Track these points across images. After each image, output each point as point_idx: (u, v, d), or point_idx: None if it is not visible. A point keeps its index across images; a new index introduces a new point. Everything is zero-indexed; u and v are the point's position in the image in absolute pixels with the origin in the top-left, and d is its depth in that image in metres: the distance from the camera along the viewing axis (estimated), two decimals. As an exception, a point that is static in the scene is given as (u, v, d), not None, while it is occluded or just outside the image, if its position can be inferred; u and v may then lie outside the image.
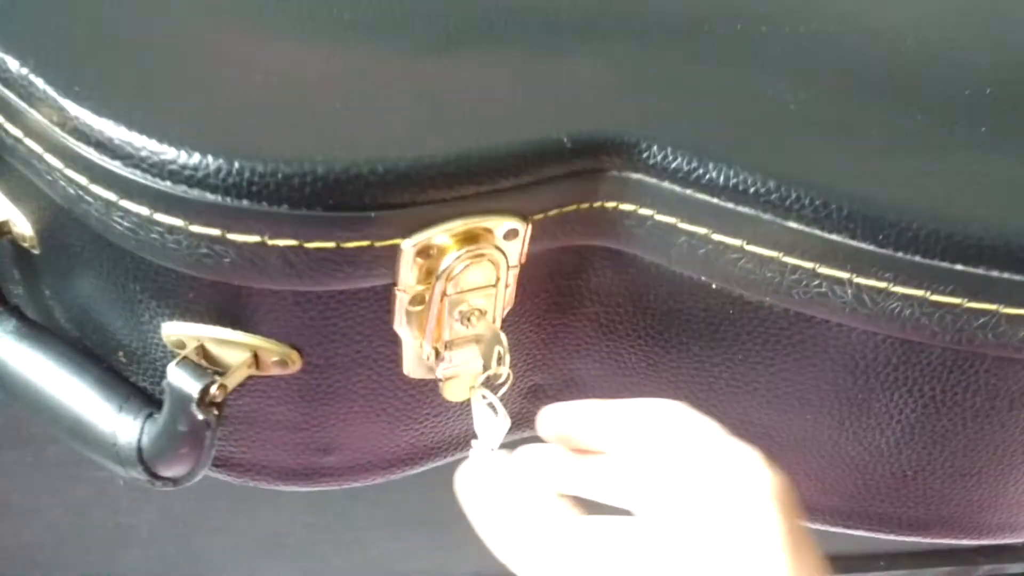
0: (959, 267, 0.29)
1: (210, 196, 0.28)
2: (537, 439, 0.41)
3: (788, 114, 0.33)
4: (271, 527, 0.59)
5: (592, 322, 0.36)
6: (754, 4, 0.38)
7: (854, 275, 0.30)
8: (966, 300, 0.30)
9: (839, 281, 0.30)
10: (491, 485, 0.30)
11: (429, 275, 0.30)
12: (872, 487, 0.36)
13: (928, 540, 0.38)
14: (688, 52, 0.35)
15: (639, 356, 0.36)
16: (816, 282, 0.31)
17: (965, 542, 0.39)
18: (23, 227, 0.36)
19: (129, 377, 0.35)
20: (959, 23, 0.39)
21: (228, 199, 0.28)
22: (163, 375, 0.32)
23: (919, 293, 0.30)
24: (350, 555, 0.60)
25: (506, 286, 0.32)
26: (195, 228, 0.29)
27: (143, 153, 0.28)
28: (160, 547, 0.58)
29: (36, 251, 0.36)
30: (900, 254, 0.30)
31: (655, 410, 0.29)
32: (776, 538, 0.25)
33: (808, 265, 0.30)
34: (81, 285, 0.35)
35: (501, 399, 0.33)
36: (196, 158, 0.28)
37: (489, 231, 0.30)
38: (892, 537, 0.38)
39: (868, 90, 0.35)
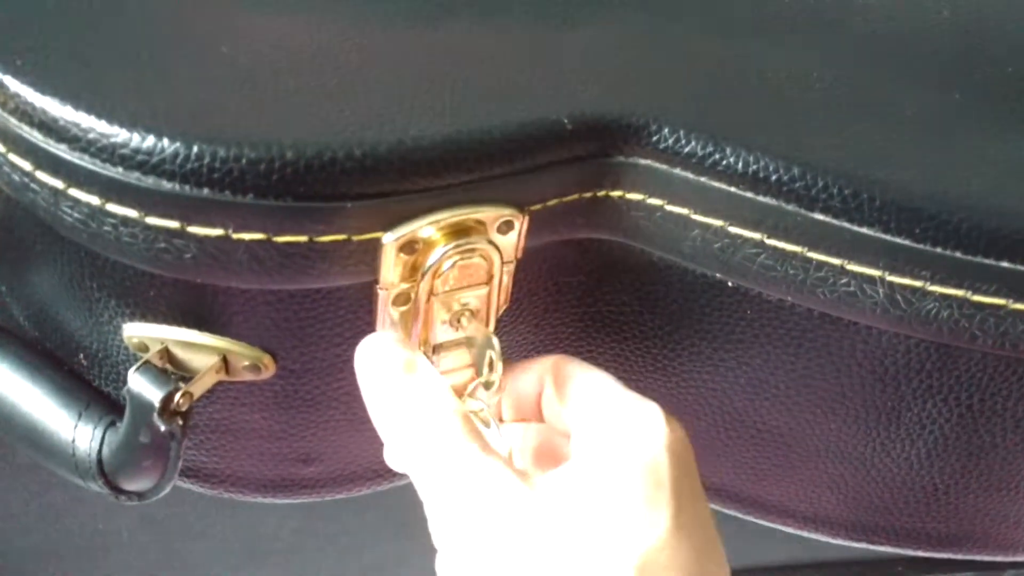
0: (1004, 264, 0.26)
1: (167, 184, 0.25)
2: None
3: (813, 95, 0.30)
4: (258, 532, 0.57)
5: (596, 323, 0.33)
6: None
7: (887, 272, 0.27)
8: (1011, 301, 0.27)
9: (870, 279, 0.27)
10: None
11: (414, 272, 0.27)
12: (900, 501, 0.33)
13: (958, 557, 0.35)
14: (703, 26, 0.32)
15: (647, 359, 0.33)
16: (844, 280, 0.28)
17: (1000, 559, 0.36)
18: (-26, 218, 0.33)
19: (91, 381, 0.32)
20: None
21: (187, 187, 0.25)
22: (126, 380, 0.29)
23: (959, 293, 0.27)
24: (341, 561, 0.58)
25: (500, 284, 0.29)
26: (151, 220, 0.25)
27: (91, 136, 0.25)
28: (140, 553, 0.55)
29: (-11, 245, 0.33)
30: (939, 249, 0.27)
31: (548, 367, 0.29)
32: (664, 490, 0.25)
33: (836, 261, 0.27)
34: (37, 282, 0.32)
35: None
36: (151, 141, 0.25)
37: (481, 223, 0.27)
38: (919, 554, 0.35)
39: (900, 68, 0.32)
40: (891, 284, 0.27)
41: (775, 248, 0.28)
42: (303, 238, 0.26)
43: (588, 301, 0.33)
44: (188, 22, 0.28)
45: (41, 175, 0.26)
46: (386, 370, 0.27)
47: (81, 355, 0.32)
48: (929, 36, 0.34)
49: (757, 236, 0.28)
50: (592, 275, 0.32)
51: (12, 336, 0.33)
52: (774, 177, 0.27)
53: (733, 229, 0.28)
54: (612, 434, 0.26)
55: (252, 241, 0.25)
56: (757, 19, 0.33)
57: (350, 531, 0.56)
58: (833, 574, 0.66)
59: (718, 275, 0.30)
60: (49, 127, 0.25)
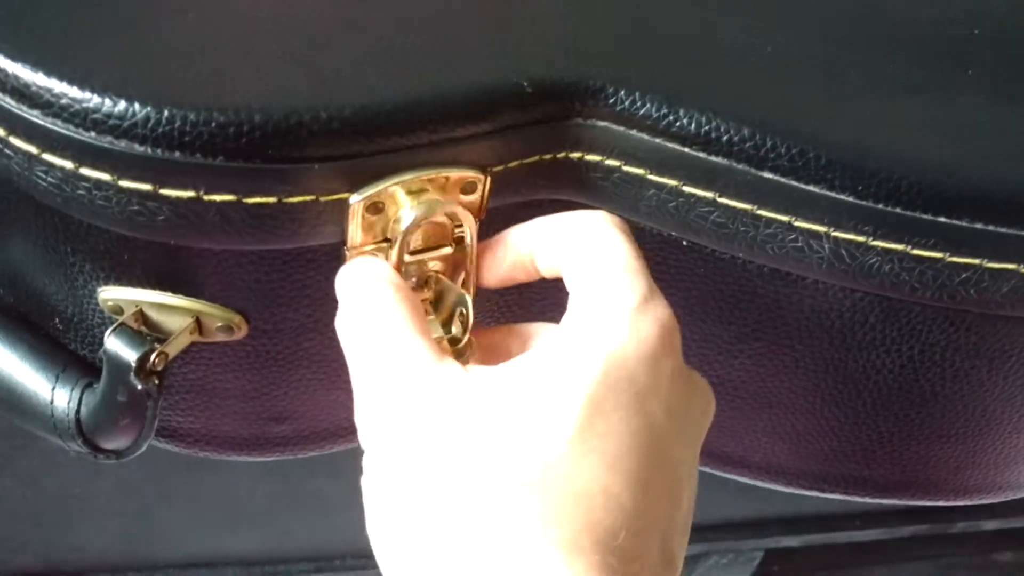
0: (942, 219, 0.28)
1: (139, 148, 0.26)
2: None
3: (764, 57, 0.31)
4: (232, 495, 0.58)
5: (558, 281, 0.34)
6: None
7: (832, 228, 0.28)
8: (948, 254, 0.28)
9: (816, 235, 0.29)
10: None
11: (382, 233, 0.28)
12: (848, 449, 0.35)
13: (904, 502, 0.37)
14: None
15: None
16: (792, 236, 0.29)
17: (942, 503, 0.38)
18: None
19: (67, 345, 0.33)
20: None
21: (159, 151, 0.26)
22: (101, 343, 0.30)
23: (900, 247, 0.28)
24: (313, 522, 0.59)
25: (464, 247, 0.30)
26: (124, 183, 0.26)
27: (63, 101, 0.26)
28: (117, 519, 0.56)
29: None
30: (880, 206, 0.28)
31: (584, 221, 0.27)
32: (576, 402, 0.24)
33: (784, 218, 0.29)
34: (11, 247, 0.33)
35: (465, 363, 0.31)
36: (122, 106, 0.25)
37: (445, 184, 0.28)
38: (868, 500, 0.37)
39: (848, 31, 0.33)
40: (836, 239, 0.29)
41: (726, 206, 0.29)
42: (272, 199, 0.27)
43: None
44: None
45: (15, 140, 0.27)
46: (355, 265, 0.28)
47: (57, 319, 0.33)
48: (880, 2, 0.35)
49: (709, 195, 0.29)
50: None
51: (-13, 302, 0.34)
52: (725, 137, 0.28)
53: (687, 188, 0.29)
54: (566, 333, 0.25)
55: (223, 202, 0.26)
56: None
57: (322, 494, 0.57)
58: (795, 529, 0.69)
59: (674, 233, 0.31)
60: (22, 93, 0.26)
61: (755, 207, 0.29)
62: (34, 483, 0.53)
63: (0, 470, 0.53)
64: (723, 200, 0.29)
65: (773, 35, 0.32)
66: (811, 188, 0.28)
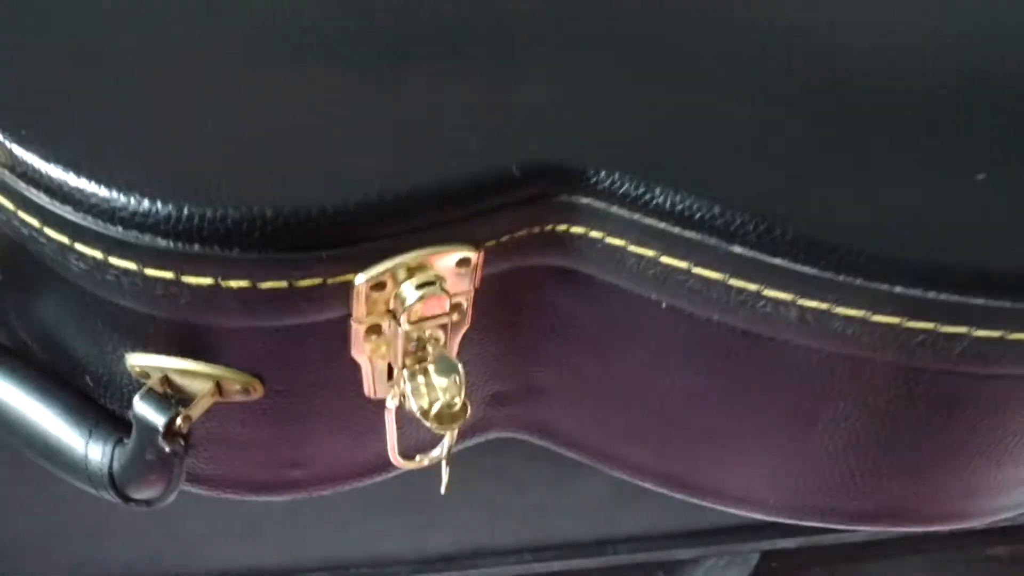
0: (898, 289, 0.30)
1: (162, 242, 0.28)
2: (501, 441, 0.42)
3: (736, 134, 0.33)
4: (251, 510, 0.61)
5: (550, 334, 0.37)
6: (701, 22, 0.38)
7: (797, 297, 0.31)
8: (905, 320, 0.31)
9: (783, 302, 0.31)
10: None
11: (384, 306, 0.31)
12: (822, 485, 0.38)
13: (876, 528, 0.40)
14: (637, 72, 0.35)
15: (597, 367, 0.37)
16: (761, 303, 0.31)
17: (912, 529, 0.40)
18: (-17, 255, 0.36)
19: (98, 399, 0.36)
20: (909, 28, 0.39)
21: (180, 244, 0.28)
22: (130, 400, 0.33)
23: (860, 314, 0.31)
24: (331, 537, 0.62)
25: (460, 312, 0.32)
26: (149, 272, 0.29)
27: (93, 200, 0.28)
28: (144, 535, 0.60)
29: (-1, 278, 0.36)
30: (841, 277, 0.30)
31: None
32: None
33: (753, 288, 0.31)
34: (45, 313, 0.35)
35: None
36: (146, 205, 0.28)
37: (442, 258, 0.31)
38: (841, 528, 0.40)
39: (814, 105, 0.35)
40: (801, 307, 0.31)
41: (700, 276, 0.32)
42: (284, 284, 0.29)
43: (542, 316, 0.36)
44: (173, 89, 0.31)
45: (49, 231, 0.30)
46: None
47: (87, 376, 0.36)
48: (848, 76, 0.37)
49: (685, 265, 0.32)
50: (545, 294, 0.35)
51: (24, 359, 0.37)
52: (697, 215, 0.31)
53: (664, 259, 0.32)
54: None
55: (239, 288, 0.29)
56: (686, 64, 0.36)
57: (339, 507, 0.60)
58: (791, 531, 0.71)
59: (653, 296, 0.33)
60: (55, 191, 0.29)
61: (727, 277, 0.31)
62: (64, 503, 0.57)
63: (28, 483, 0.56)
64: (697, 271, 0.32)
65: (743, 112, 0.34)
66: (777, 261, 0.31)
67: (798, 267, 0.30)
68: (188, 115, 0.31)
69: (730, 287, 0.31)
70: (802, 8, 0.39)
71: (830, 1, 0.39)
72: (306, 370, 0.33)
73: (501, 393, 0.39)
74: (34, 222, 0.30)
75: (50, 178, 0.29)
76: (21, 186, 0.29)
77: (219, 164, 0.29)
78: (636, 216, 0.32)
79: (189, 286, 0.29)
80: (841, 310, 0.31)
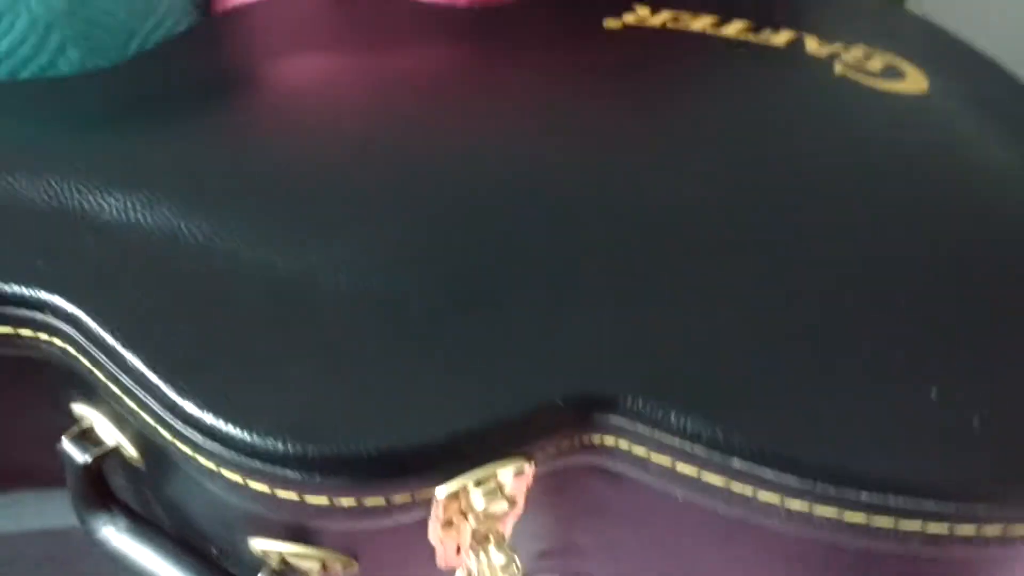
0: (863, 496, 0.38)
1: (291, 474, 0.37)
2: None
3: (734, 359, 0.42)
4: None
5: (588, 510, 0.45)
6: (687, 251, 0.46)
7: (784, 499, 0.39)
8: (871, 516, 0.39)
9: (773, 504, 0.39)
10: None
11: (458, 509, 0.39)
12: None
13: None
14: (661, 305, 0.44)
15: (628, 536, 0.45)
16: (756, 503, 0.40)
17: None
18: (130, 451, 0.45)
19: (225, 566, 0.45)
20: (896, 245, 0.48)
21: (304, 475, 0.37)
22: (251, 568, 0.41)
23: (834, 514, 0.39)
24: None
25: (516, 504, 0.41)
26: (279, 493, 0.38)
27: (237, 442, 0.37)
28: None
29: (140, 466, 0.45)
30: (818, 487, 0.38)
31: None
32: None
33: (749, 492, 0.39)
34: (180, 498, 0.44)
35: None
36: (280, 447, 0.37)
37: (502, 472, 0.39)
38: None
39: (804, 323, 0.43)
40: (788, 508, 0.39)
41: (707, 482, 0.40)
42: (382, 501, 0.38)
43: (581, 497, 0.45)
44: (298, 348, 0.40)
45: (200, 458, 0.39)
46: None
47: (214, 548, 0.44)
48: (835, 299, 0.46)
49: (695, 473, 0.40)
50: (583, 483, 0.44)
51: (162, 531, 0.45)
52: (703, 435, 0.39)
53: (678, 467, 0.40)
54: None
55: (348, 505, 0.38)
56: (699, 293, 0.44)
57: None
58: None
59: (671, 491, 0.42)
60: (206, 433, 0.38)
61: (727, 483, 0.40)
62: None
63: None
64: (704, 478, 0.40)
65: (742, 337, 0.43)
66: (767, 473, 0.39)
67: (784, 478, 0.39)
68: (307, 369, 0.39)
69: (731, 492, 0.40)
70: (789, 230, 0.47)
71: (814, 225, 0.48)
72: (393, 549, 0.42)
73: (546, 551, 0.48)
74: (187, 449, 0.39)
75: (202, 423, 0.38)
76: (179, 425, 0.38)
77: (331, 410, 0.38)
78: (655, 433, 0.40)
79: (309, 504, 0.38)
80: (819, 511, 0.39)
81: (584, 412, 0.40)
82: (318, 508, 0.38)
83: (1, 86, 0.56)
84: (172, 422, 0.39)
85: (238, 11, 0.64)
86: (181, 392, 0.38)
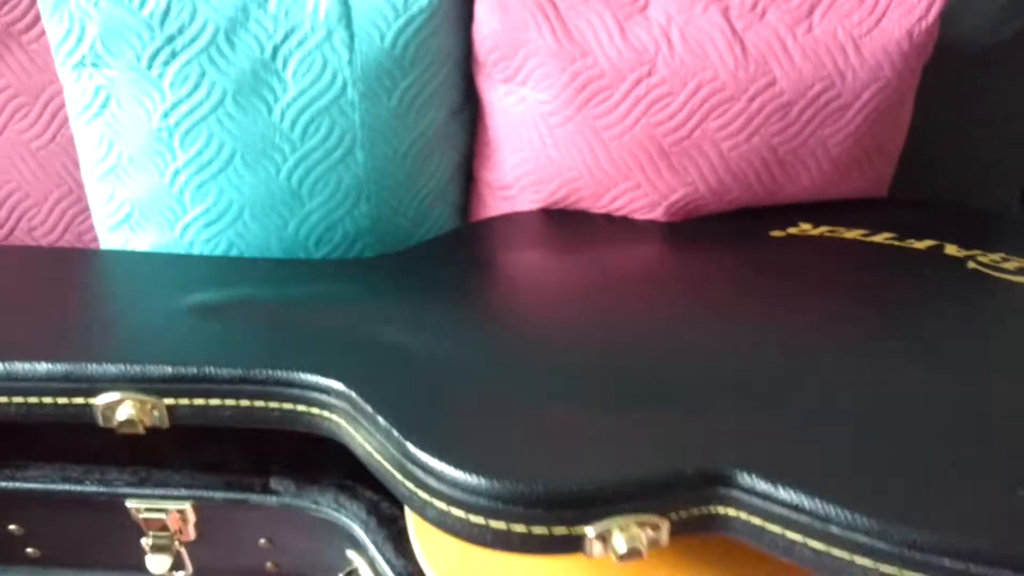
0: (946, 562, 0.46)
1: (509, 508, 0.51)
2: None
3: (829, 445, 0.52)
4: None
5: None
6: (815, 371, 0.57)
7: (878, 564, 0.47)
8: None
9: (869, 567, 0.48)
10: None
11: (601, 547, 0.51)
12: None
13: None
14: (769, 407, 0.55)
15: None
16: (854, 567, 0.48)
17: None
18: None
19: None
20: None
21: (519, 514, 0.51)
22: None
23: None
24: None
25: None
26: (492, 523, 0.51)
27: (461, 482, 0.51)
28: None
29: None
30: (907, 552, 0.47)
31: None
32: None
33: (847, 557, 0.48)
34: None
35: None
36: (506, 507, 0.51)
37: (648, 524, 0.51)
38: None
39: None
40: (881, 572, 0.47)
41: (811, 546, 0.49)
42: (545, 531, 0.50)
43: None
44: (506, 419, 0.55)
45: (436, 502, 0.53)
46: None
47: None
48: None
49: (800, 539, 0.49)
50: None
51: None
52: (806, 505, 0.49)
53: (788, 534, 0.50)
54: None
55: (542, 533, 0.50)
56: (813, 399, 0.55)
57: None
58: None
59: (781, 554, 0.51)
60: (436, 475, 0.52)
61: (829, 548, 0.48)
62: None
63: None
64: (810, 543, 0.49)
65: (836, 431, 0.53)
66: (860, 539, 0.47)
67: (876, 543, 0.47)
68: (508, 435, 0.54)
69: (832, 554, 0.48)
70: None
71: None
72: None
73: None
74: (424, 495, 0.53)
75: (432, 467, 0.52)
76: (411, 468, 0.54)
77: (521, 463, 0.52)
78: (768, 505, 0.50)
79: (517, 531, 0.51)
80: (907, 574, 0.47)
81: (710, 483, 0.51)
82: (500, 532, 0.51)
83: (327, 262, 0.80)
84: (408, 466, 0.54)
85: (480, 223, 0.86)
86: (418, 444, 0.54)
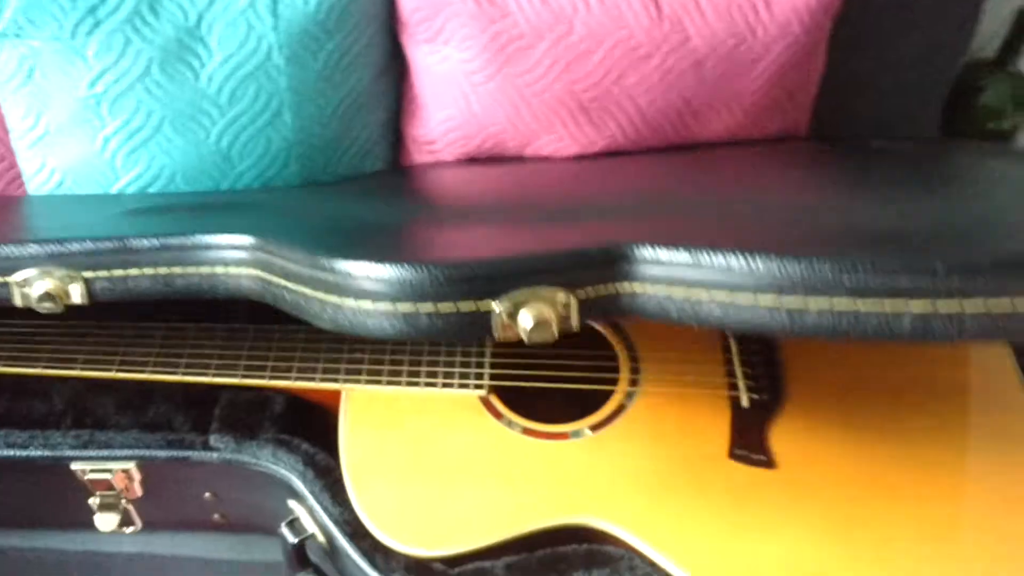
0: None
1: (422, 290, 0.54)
2: None
3: (724, 225, 0.56)
4: None
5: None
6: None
7: (781, 299, 0.52)
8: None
9: (772, 305, 0.52)
10: None
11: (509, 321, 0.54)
12: None
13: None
14: (667, 214, 0.59)
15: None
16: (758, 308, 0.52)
17: None
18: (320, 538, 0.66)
19: None
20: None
21: (425, 292, 0.54)
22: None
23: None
24: None
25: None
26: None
27: (391, 288, 0.54)
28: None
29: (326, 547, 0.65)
30: (808, 280, 0.51)
31: None
32: None
33: (751, 300, 0.52)
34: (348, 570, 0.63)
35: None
36: (415, 288, 0.53)
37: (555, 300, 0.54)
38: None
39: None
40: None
41: (732, 301, 0.53)
42: (470, 305, 0.54)
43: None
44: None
45: (348, 301, 0.55)
46: None
47: None
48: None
49: (718, 295, 0.53)
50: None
51: None
52: (713, 262, 0.53)
53: (695, 294, 0.54)
54: None
55: (449, 311, 0.53)
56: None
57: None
58: None
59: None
60: (356, 276, 0.54)
61: (732, 298, 0.53)
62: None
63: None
64: (716, 297, 0.53)
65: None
66: (759, 278, 0.52)
67: (777, 278, 0.52)
68: (417, 244, 0.58)
69: (737, 303, 0.53)
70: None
71: None
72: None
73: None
74: (335, 298, 0.56)
75: (340, 267, 0.55)
76: (322, 276, 0.56)
77: (428, 253, 0.55)
78: (668, 271, 0.53)
79: (403, 312, 0.55)
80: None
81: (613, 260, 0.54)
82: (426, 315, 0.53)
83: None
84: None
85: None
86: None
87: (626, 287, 0.55)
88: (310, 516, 0.68)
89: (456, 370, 0.71)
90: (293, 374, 0.72)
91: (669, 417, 0.67)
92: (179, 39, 0.75)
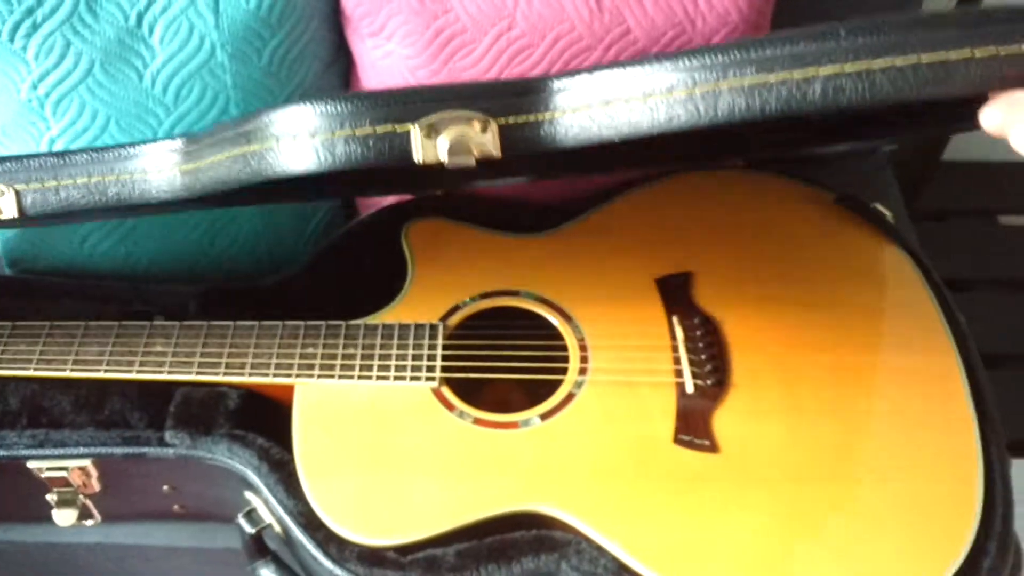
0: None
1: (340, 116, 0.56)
2: None
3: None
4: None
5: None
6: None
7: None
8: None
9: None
10: None
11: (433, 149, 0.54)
12: None
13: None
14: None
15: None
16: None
17: None
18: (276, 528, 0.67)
19: None
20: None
21: (343, 118, 0.56)
22: None
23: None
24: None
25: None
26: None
27: (311, 119, 0.54)
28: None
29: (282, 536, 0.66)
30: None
31: None
32: None
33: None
34: (304, 560, 0.65)
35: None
36: (332, 117, 0.54)
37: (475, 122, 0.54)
38: None
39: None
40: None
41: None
42: (388, 127, 0.56)
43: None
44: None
45: (270, 143, 0.55)
46: None
47: None
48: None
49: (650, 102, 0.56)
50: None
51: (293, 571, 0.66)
52: (632, 74, 0.55)
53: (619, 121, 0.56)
54: None
55: (366, 133, 0.53)
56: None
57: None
58: None
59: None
60: (278, 117, 0.55)
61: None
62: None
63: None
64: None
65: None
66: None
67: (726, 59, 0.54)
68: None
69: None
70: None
71: None
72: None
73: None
74: (260, 145, 0.56)
75: (266, 115, 0.55)
76: (253, 132, 0.56)
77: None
78: (587, 96, 0.56)
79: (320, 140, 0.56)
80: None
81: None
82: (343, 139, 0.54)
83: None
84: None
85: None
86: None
87: (546, 115, 0.55)
88: (266, 508, 0.70)
89: (408, 363, 0.72)
90: (247, 370, 0.73)
91: (617, 405, 0.69)
92: (120, 39, 0.75)
